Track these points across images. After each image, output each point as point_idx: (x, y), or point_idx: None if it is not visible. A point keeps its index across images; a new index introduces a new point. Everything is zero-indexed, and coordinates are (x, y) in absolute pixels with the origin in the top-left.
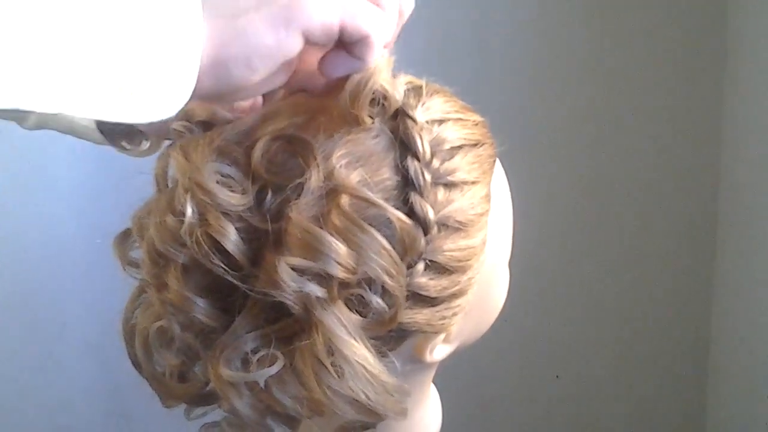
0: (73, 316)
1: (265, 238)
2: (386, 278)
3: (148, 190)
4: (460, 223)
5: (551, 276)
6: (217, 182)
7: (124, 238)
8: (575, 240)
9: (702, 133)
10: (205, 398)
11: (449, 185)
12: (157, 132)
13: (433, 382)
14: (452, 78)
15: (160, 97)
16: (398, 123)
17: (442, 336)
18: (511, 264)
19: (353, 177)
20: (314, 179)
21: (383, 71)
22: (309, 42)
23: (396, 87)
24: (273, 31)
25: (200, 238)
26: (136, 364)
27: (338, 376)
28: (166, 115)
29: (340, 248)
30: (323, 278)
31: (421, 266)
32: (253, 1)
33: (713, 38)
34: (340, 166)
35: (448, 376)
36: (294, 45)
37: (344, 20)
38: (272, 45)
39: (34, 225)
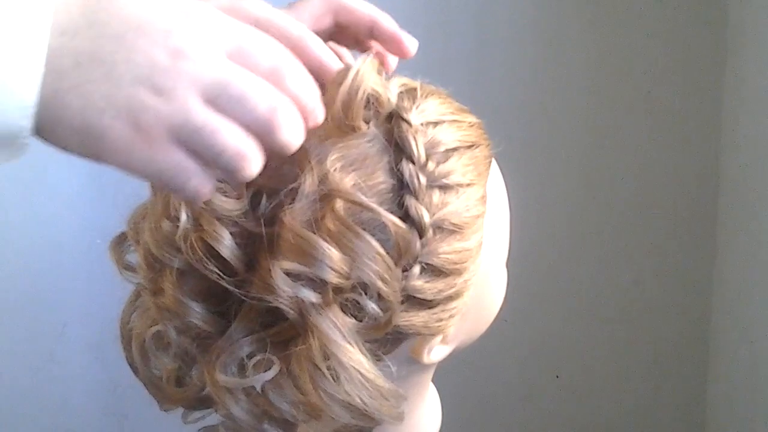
0: (73, 316)
1: (259, 242)
2: (380, 283)
3: (148, 191)
4: (455, 225)
5: (551, 276)
6: None
7: (120, 242)
8: (575, 240)
9: (702, 133)
10: (202, 402)
11: (444, 188)
12: None
13: (433, 382)
14: (450, 78)
15: None
16: (393, 126)
17: (439, 338)
18: (511, 264)
19: (347, 181)
20: (308, 183)
21: (370, 76)
22: None
23: (389, 90)
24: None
25: (195, 244)
26: (134, 368)
27: (334, 381)
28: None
29: (333, 253)
30: (317, 283)
31: (416, 269)
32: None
33: (713, 38)
34: (334, 170)
35: (448, 376)
36: None
37: None
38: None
39: (34, 225)
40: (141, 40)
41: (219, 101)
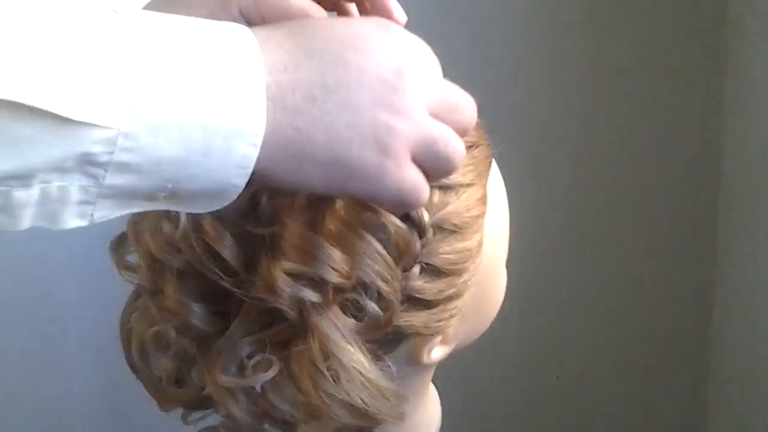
0: (74, 316)
1: (260, 243)
2: (381, 283)
3: None
4: (455, 225)
5: (551, 276)
6: None
7: (120, 242)
8: (574, 240)
9: (702, 133)
10: (201, 402)
11: (444, 188)
12: None
13: (433, 382)
14: (450, 78)
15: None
16: None
17: (439, 338)
18: (511, 264)
19: None
20: None
21: None
22: None
23: None
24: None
25: (195, 244)
26: (133, 368)
27: (334, 381)
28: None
29: (334, 253)
30: (318, 283)
31: (416, 269)
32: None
33: (714, 38)
34: None
35: (448, 377)
36: None
37: None
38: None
39: (34, 225)
40: (365, 61)
41: (440, 111)
